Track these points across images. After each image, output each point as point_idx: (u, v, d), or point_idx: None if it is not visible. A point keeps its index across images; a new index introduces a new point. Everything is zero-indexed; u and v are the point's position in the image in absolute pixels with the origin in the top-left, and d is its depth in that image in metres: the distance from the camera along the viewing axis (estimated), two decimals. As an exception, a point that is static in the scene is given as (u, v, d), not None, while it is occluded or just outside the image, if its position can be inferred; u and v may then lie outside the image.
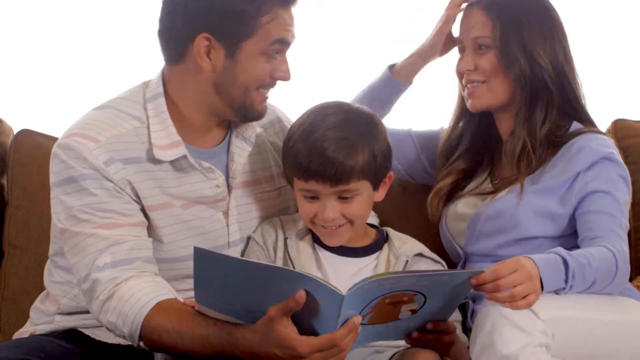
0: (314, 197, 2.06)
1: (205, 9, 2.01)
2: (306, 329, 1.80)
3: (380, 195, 2.12)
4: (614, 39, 3.19)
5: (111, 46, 3.07)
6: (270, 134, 2.27)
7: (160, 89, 2.10)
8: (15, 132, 2.63)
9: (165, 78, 2.12)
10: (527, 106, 2.25)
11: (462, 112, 2.39)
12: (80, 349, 2.09)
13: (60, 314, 2.17)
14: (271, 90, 2.13)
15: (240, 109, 2.09)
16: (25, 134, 2.61)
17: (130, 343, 2.05)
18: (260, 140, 2.22)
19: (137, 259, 2.00)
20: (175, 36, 2.06)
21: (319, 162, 2.01)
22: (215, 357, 1.88)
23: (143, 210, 2.06)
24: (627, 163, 2.69)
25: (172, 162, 2.08)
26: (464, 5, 2.34)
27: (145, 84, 2.15)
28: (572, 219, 2.19)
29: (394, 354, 1.95)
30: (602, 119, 2.75)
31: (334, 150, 2.00)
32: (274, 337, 1.78)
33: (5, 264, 2.55)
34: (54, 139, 2.59)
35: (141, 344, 1.96)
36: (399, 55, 2.46)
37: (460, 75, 2.32)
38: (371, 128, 2.08)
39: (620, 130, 2.75)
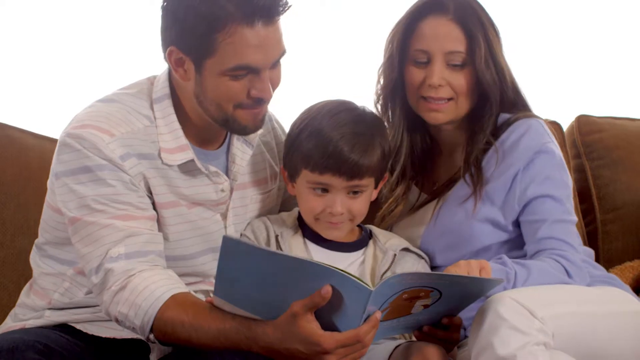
0: (324, 190, 2.09)
1: (171, 21, 2.00)
2: (326, 324, 1.81)
3: (374, 194, 2.17)
4: (578, 37, 3.26)
5: (84, 42, 3.05)
6: (263, 133, 2.26)
7: (167, 90, 2.10)
8: (-14, 126, 2.59)
9: (172, 75, 2.10)
10: (484, 112, 2.23)
11: (409, 124, 2.30)
12: (79, 342, 2.07)
13: (50, 309, 2.15)
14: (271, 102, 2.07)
15: (223, 124, 2.06)
16: (-2, 127, 2.57)
17: (126, 337, 2.07)
18: (256, 142, 2.21)
19: (151, 252, 2.00)
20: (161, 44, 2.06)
21: (337, 157, 2.04)
22: (229, 352, 1.88)
23: (153, 206, 2.07)
24: (591, 159, 2.79)
25: (179, 165, 2.09)
26: None
27: (151, 81, 2.13)
28: (517, 224, 2.21)
29: (396, 347, 1.99)
30: (566, 115, 2.85)
31: (353, 146, 2.05)
32: (298, 332, 1.79)
33: (-20, 259, 2.51)
34: (28, 133, 2.58)
35: (151, 336, 1.95)
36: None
37: (422, 86, 2.21)
38: (381, 127, 2.15)
39: (584, 125, 2.81)
